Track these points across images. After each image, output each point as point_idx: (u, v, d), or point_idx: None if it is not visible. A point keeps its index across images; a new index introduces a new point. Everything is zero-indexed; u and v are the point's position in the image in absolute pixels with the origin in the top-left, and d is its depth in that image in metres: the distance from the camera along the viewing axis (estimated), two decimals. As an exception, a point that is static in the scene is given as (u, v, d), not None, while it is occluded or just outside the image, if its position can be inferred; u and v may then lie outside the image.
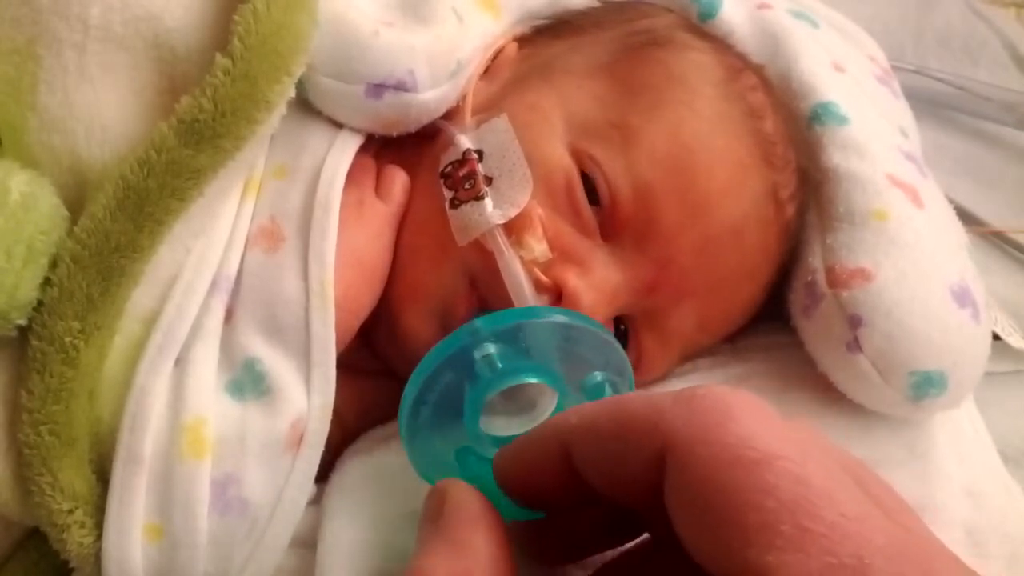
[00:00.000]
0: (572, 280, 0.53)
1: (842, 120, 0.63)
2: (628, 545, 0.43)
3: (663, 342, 0.59)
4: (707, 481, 0.31)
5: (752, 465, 0.31)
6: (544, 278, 0.53)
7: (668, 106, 0.58)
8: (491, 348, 0.45)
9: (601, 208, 0.56)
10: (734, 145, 0.58)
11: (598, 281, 0.54)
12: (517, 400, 0.47)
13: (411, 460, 0.48)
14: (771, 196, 0.59)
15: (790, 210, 0.61)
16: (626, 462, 0.35)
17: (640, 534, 0.42)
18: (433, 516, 0.41)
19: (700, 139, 0.57)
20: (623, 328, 0.59)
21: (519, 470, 0.41)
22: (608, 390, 0.46)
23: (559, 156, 0.56)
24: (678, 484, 0.33)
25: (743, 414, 0.33)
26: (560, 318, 0.46)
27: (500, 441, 0.47)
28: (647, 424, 0.34)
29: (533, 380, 0.46)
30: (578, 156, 0.56)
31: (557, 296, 0.53)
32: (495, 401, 0.47)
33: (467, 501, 0.40)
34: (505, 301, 0.52)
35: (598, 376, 0.46)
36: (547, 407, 0.47)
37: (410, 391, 0.46)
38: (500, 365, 0.45)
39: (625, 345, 0.59)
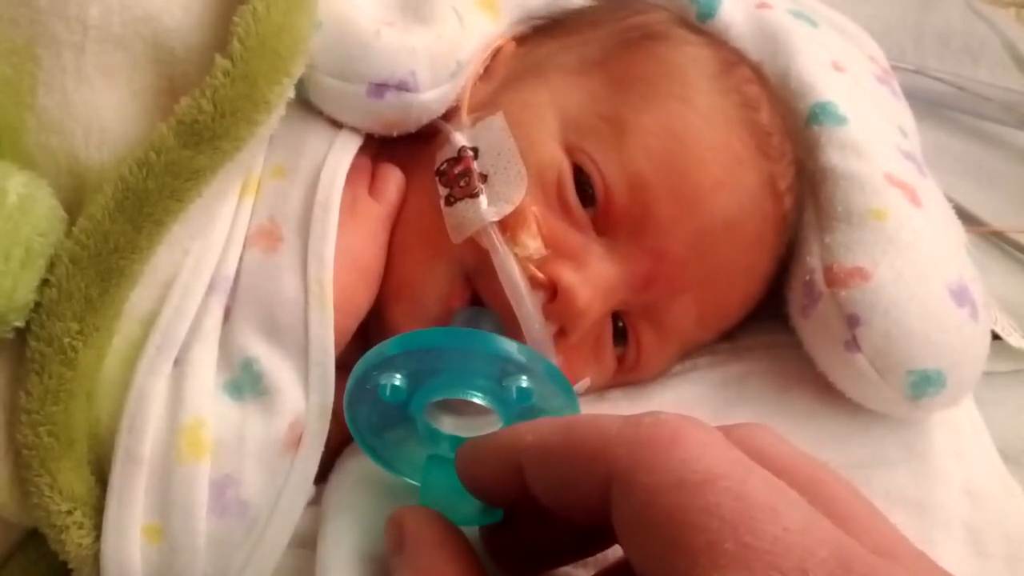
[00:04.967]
0: (567, 275, 0.53)
1: (840, 120, 0.63)
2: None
3: (662, 337, 0.59)
4: (651, 507, 0.32)
5: (694, 487, 0.31)
6: (539, 275, 0.53)
7: (661, 99, 0.58)
8: (396, 377, 0.45)
9: (596, 202, 0.56)
10: (728, 138, 0.58)
11: (593, 276, 0.54)
12: (459, 406, 0.48)
13: (386, 469, 0.50)
14: (768, 187, 0.59)
15: (788, 201, 0.61)
16: (575, 487, 0.36)
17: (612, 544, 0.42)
18: (396, 548, 0.41)
19: (693, 131, 0.57)
20: (621, 325, 0.59)
21: (478, 475, 0.41)
22: (534, 397, 0.46)
23: (552, 153, 0.56)
24: (622, 513, 0.33)
25: (687, 439, 0.33)
26: (458, 343, 0.46)
27: (458, 442, 0.47)
28: (594, 451, 0.35)
29: (447, 397, 0.46)
30: (572, 152, 0.56)
31: (553, 292, 0.53)
32: (439, 406, 0.47)
33: (426, 527, 0.41)
34: (500, 298, 0.52)
35: (523, 382, 0.45)
36: (490, 413, 0.47)
37: (349, 425, 0.48)
38: (404, 393, 0.46)
39: (624, 341, 0.59)
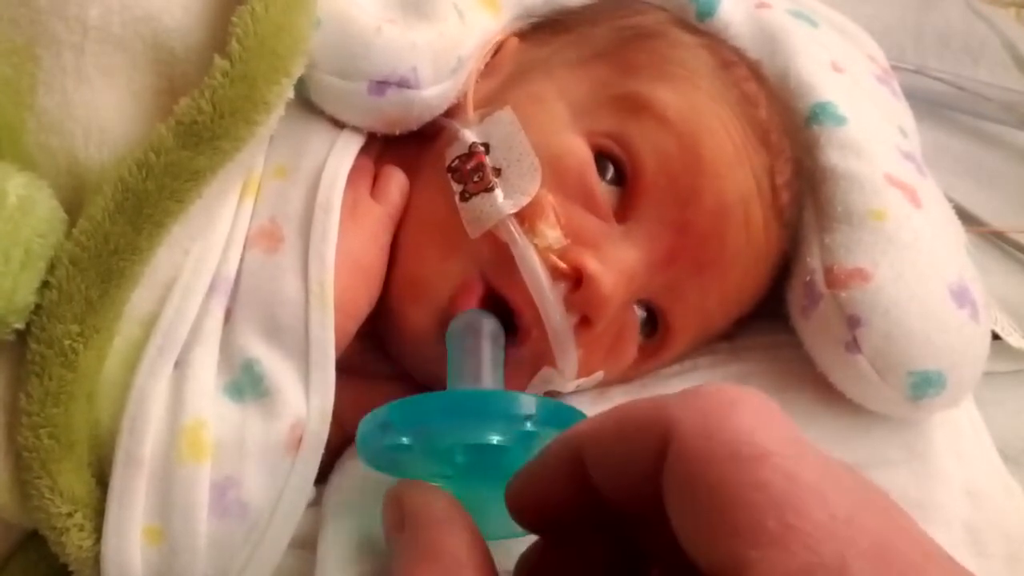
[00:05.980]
0: (591, 263, 0.53)
1: (840, 120, 0.63)
2: None
3: (686, 319, 0.59)
4: (702, 474, 0.31)
5: (747, 460, 0.31)
6: (561, 264, 0.53)
7: (670, 79, 0.58)
8: (403, 439, 0.44)
9: (624, 181, 0.56)
10: (734, 121, 0.58)
11: (616, 261, 0.54)
12: None
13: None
14: (769, 177, 0.59)
15: (785, 196, 0.61)
16: (633, 459, 0.35)
17: None
18: (396, 525, 0.40)
19: (706, 107, 0.57)
20: (644, 314, 0.59)
21: (531, 487, 0.40)
22: (539, 441, 0.45)
23: (568, 142, 0.56)
24: (675, 473, 0.32)
25: (746, 410, 0.32)
26: (462, 427, 0.45)
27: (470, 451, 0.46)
28: (651, 419, 0.34)
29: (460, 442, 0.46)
30: (591, 137, 0.56)
31: (575, 281, 0.53)
32: None
33: (428, 502, 0.40)
34: (519, 291, 0.52)
35: (528, 425, 0.44)
36: None
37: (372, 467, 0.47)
38: (413, 448, 0.45)
39: (653, 329, 0.59)
